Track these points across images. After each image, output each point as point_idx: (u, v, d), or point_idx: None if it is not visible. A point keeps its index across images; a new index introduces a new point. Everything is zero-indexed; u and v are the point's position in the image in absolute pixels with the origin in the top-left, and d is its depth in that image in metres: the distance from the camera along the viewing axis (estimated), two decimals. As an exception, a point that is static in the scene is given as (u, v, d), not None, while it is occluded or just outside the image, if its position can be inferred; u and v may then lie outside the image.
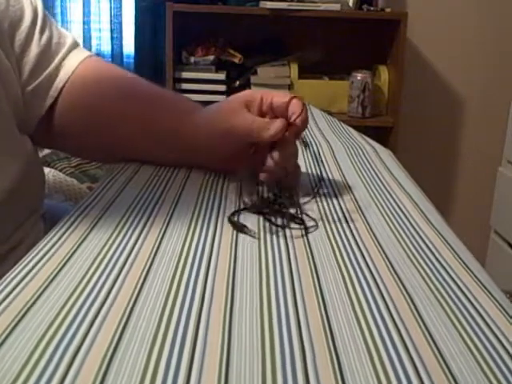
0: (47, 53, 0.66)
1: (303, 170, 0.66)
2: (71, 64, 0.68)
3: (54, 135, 0.69)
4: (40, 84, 0.65)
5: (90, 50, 2.23)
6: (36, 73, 0.65)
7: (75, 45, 0.70)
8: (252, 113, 0.59)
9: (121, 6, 2.22)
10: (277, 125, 0.56)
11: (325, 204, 0.56)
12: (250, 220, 0.51)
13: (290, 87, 1.99)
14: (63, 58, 0.68)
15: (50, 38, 0.67)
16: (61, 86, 0.67)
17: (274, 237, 0.47)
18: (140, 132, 0.66)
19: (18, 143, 0.62)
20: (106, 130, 0.67)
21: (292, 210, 0.53)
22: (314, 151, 0.58)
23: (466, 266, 0.44)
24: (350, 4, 1.94)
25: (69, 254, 0.42)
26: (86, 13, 2.22)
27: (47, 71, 0.66)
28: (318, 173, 0.66)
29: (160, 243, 0.45)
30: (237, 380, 0.29)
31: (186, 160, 0.65)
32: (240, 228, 0.49)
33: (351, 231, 0.49)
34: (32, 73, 0.65)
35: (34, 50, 0.65)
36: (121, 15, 2.23)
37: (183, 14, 1.90)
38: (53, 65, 0.67)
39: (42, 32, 0.66)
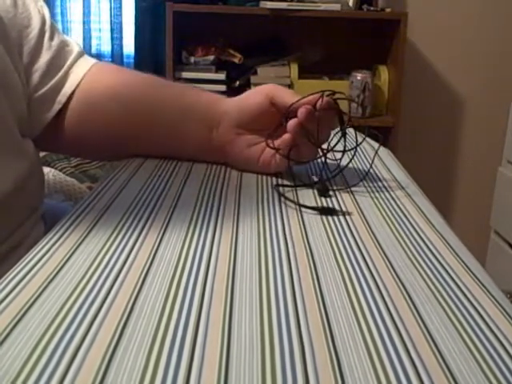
0: (57, 60, 0.68)
1: (303, 168, 0.66)
2: (79, 71, 0.69)
3: (58, 139, 0.70)
4: (48, 90, 0.67)
5: (90, 49, 2.23)
6: (45, 79, 0.66)
7: (82, 53, 0.72)
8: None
9: (121, 6, 2.22)
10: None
11: (324, 204, 0.56)
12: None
13: (290, 87, 1.99)
14: (71, 65, 0.69)
15: (59, 46, 0.69)
16: (69, 92, 0.68)
17: (274, 237, 0.47)
18: (141, 135, 0.68)
19: (19, 146, 0.62)
20: (110, 132, 0.69)
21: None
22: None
23: (466, 266, 0.44)
24: (350, 4, 1.94)
25: (69, 254, 0.43)
26: (86, 13, 2.22)
27: (56, 78, 0.67)
28: (319, 173, 0.66)
29: (160, 243, 0.45)
30: (236, 378, 0.29)
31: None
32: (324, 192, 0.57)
33: (351, 231, 0.49)
34: (41, 79, 0.66)
35: (45, 57, 0.66)
36: (121, 15, 2.23)
37: (183, 13, 1.90)
38: (62, 72, 0.68)
39: (51, 39, 0.68)
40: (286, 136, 0.60)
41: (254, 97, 0.64)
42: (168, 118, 0.68)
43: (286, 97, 0.61)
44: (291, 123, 0.59)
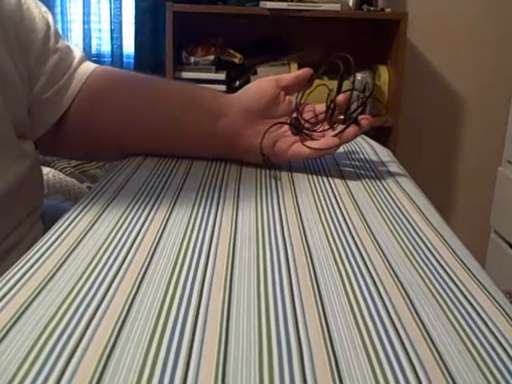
0: (62, 64, 0.69)
1: (302, 167, 0.66)
2: (83, 73, 0.71)
3: (62, 142, 0.71)
4: (54, 93, 0.68)
5: (90, 50, 2.23)
6: (51, 82, 0.68)
7: (85, 58, 0.74)
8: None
9: (121, 6, 2.22)
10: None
11: (323, 203, 0.56)
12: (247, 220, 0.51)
13: (289, 87, 1.99)
14: (76, 69, 0.71)
15: (64, 50, 0.70)
16: (74, 94, 0.69)
17: (273, 238, 0.47)
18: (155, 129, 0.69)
19: (17, 147, 0.63)
20: (120, 130, 0.70)
21: None
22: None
23: (464, 264, 0.44)
24: (350, 4, 1.94)
25: (68, 253, 0.43)
26: (86, 13, 2.22)
27: (62, 81, 0.69)
28: (317, 172, 0.66)
29: (160, 239, 0.45)
30: (234, 380, 0.29)
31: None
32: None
33: (349, 230, 0.49)
34: (47, 82, 0.67)
35: (51, 61, 0.68)
36: (121, 15, 2.23)
37: (183, 14, 1.90)
38: (67, 74, 0.70)
39: (56, 44, 0.69)
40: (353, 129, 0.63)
41: (262, 84, 0.66)
42: (169, 108, 0.68)
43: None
44: (367, 122, 0.63)
